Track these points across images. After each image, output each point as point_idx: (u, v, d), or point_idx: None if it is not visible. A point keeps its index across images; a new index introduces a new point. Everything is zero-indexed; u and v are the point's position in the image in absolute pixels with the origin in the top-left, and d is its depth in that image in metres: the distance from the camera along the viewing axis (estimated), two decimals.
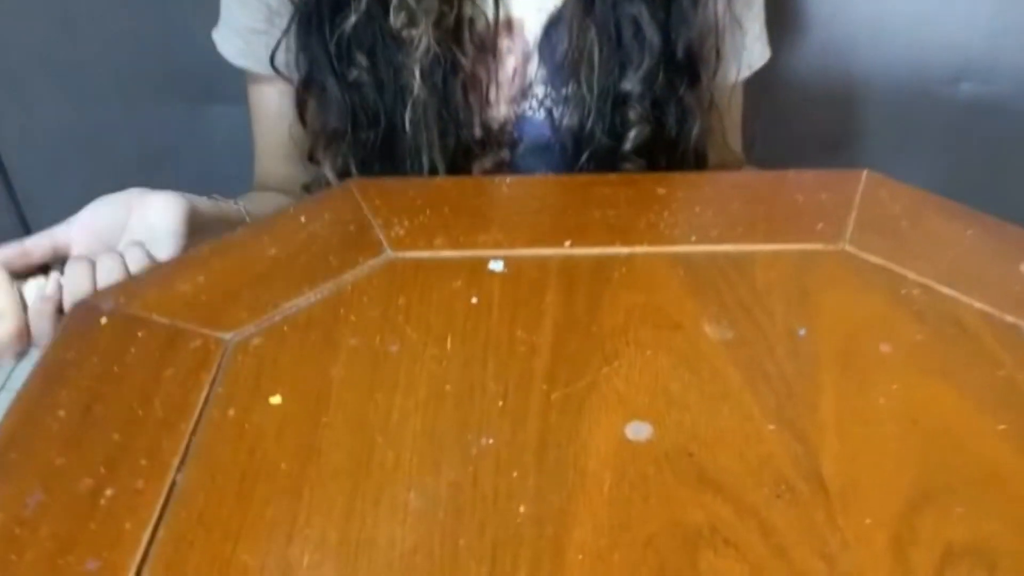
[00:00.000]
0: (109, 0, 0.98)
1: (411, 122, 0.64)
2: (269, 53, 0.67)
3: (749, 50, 0.72)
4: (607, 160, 0.67)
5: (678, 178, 0.60)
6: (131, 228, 0.53)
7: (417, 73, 0.63)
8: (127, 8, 0.98)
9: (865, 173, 0.57)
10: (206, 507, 0.37)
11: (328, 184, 0.68)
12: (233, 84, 0.74)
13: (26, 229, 1.15)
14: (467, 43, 0.63)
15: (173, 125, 1.05)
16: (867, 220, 0.53)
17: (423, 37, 0.62)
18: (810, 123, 1.00)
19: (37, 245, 0.50)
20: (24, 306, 0.50)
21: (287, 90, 0.69)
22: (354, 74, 0.64)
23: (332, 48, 0.64)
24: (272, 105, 0.72)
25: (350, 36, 0.63)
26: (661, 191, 0.57)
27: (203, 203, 0.57)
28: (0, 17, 1.00)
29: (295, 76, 0.68)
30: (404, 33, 0.62)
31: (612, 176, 0.59)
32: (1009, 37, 0.97)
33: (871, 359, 0.44)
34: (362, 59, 0.64)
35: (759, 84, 0.78)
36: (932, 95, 0.99)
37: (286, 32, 0.65)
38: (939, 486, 0.38)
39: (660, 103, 0.66)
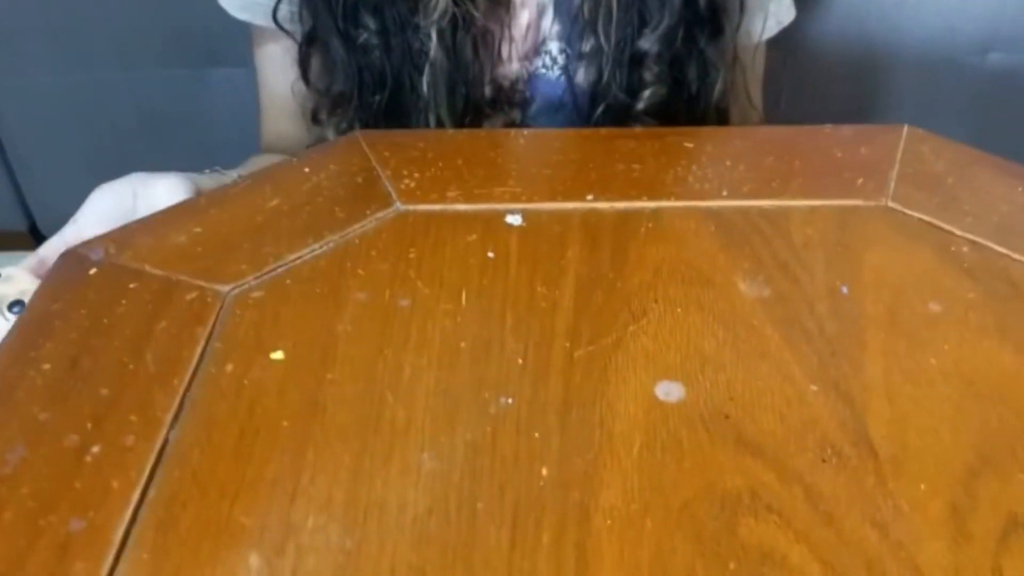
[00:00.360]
0: None
1: (428, 84, 0.61)
2: (272, 6, 0.64)
3: (779, 3, 0.69)
4: (621, 119, 0.64)
5: (706, 132, 0.56)
6: (138, 214, 0.50)
7: (434, 35, 0.59)
8: None
9: (906, 128, 0.53)
10: (201, 465, 0.34)
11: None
12: (235, 47, 0.71)
13: (20, 196, 1.12)
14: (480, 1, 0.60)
15: (174, 89, 1.02)
16: (910, 176, 0.50)
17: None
18: (834, 90, 0.96)
19: (53, 251, 0.47)
20: None
21: (292, 46, 0.66)
22: (362, 36, 0.61)
23: (338, 9, 0.60)
24: (277, 62, 0.68)
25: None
26: (688, 145, 0.53)
27: (205, 182, 0.54)
28: None
29: (299, 31, 0.64)
30: None
31: (637, 129, 0.56)
32: None
33: (920, 318, 0.41)
34: (370, 21, 0.60)
35: (783, 48, 0.75)
36: (959, 64, 0.96)
37: None
38: (1000, 451, 0.35)
39: (680, 59, 0.63)
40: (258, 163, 0.67)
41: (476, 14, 0.60)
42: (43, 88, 1.03)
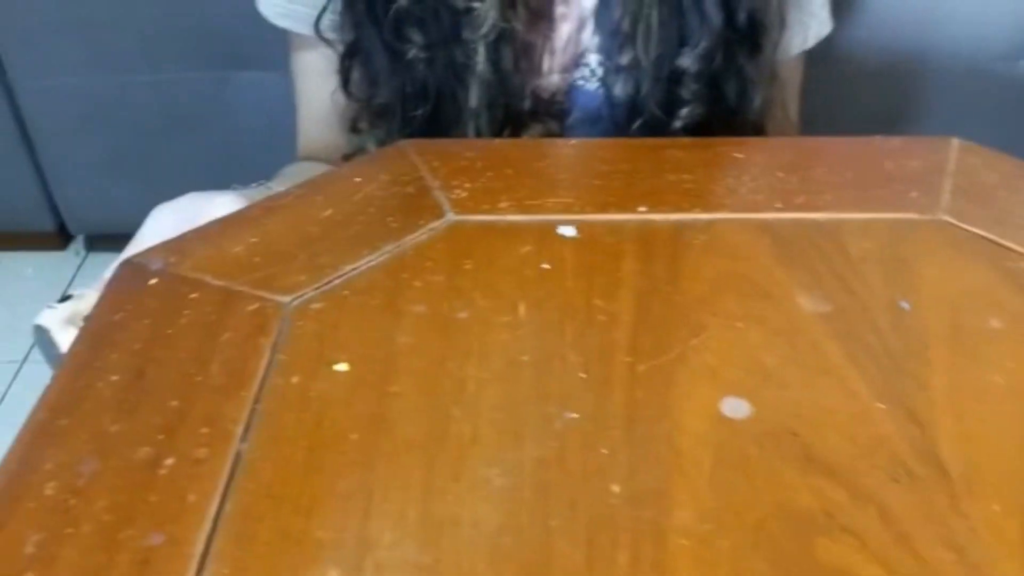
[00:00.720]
0: None
1: (476, 101, 0.61)
2: (312, 13, 0.64)
3: (816, 18, 0.68)
4: (658, 133, 0.64)
5: (755, 142, 0.56)
6: None
7: (482, 51, 0.59)
8: None
9: (956, 141, 0.53)
10: (273, 479, 0.34)
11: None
12: (262, 49, 0.71)
13: (48, 196, 1.12)
14: (522, 9, 0.60)
15: (200, 91, 1.02)
16: (963, 189, 0.49)
17: (489, 13, 0.58)
18: (866, 97, 0.96)
19: None
20: None
21: (331, 54, 0.66)
22: (409, 52, 0.61)
23: (384, 22, 0.60)
24: (316, 70, 0.68)
25: (405, 11, 0.59)
26: (738, 155, 0.53)
27: (257, 198, 0.54)
28: None
29: (340, 39, 0.64)
30: (466, 8, 0.58)
31: (685, 140, 0.56)
32: None
33: (981, 334, 0.41)
34: (415, 35, 0.60)
35: (816, 56, 0.75)
36: (991, 71, 0.96)
37: (334, 2, 0.62)
38: None
39: (718, 76, 0.63)
40: (298, 173, 0.67)
41: (519, 28, 0.60)
42: (70, 89, 1.03)
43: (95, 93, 1.01)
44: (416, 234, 0.47)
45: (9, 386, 1.06)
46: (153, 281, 0.44)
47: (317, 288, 0.44)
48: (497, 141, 0.61)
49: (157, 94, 1.01)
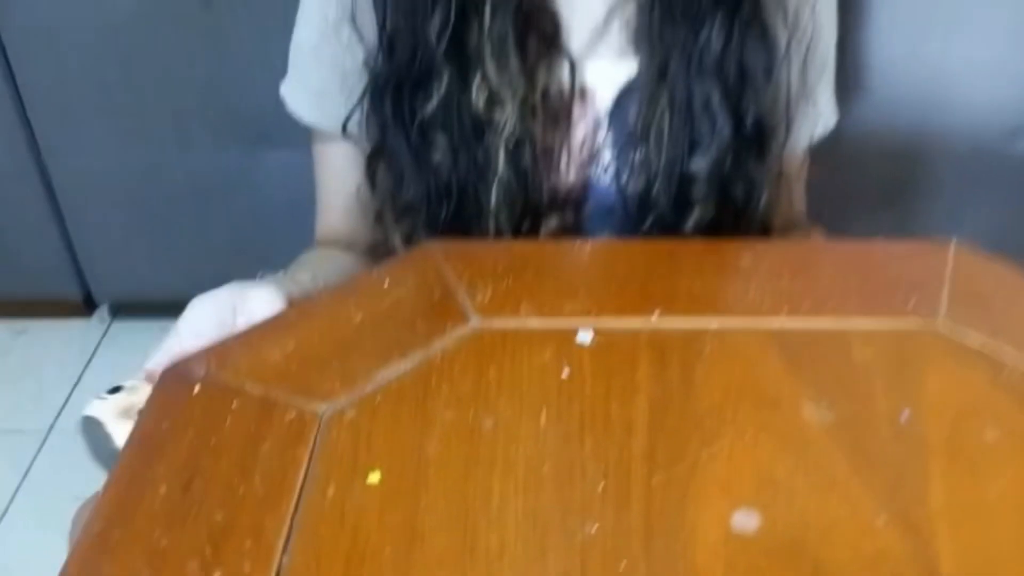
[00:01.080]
0: (170, 43, 1.00)
1: (495, 201, 0.64)
2: (340, 113, 0.67)
3: (822, 115, 0.72)
4: (671, 228, 0.67)
5: (765, 246, 0.59)
6: (236, 327, 0.52)
7: (502, 154, 0.63)
8: (187, 51, 1.00)
9: (953, 245, 0.56)
10: None
11: (392, 249, 0.68)
12: (288, 130, 0.74)
13: (77, 267, 1.16)
14: (541, 114, 0.63)
15: (227, 167, 1.06)
16: (960, 296, 0.52)
17: (509, 119, 0.62)
18: (869, 176, 0.99)
19: (158, 366, 0.50)
20: None
21: (355, 149, 0.69)
22: (435, 156, 0.64)
23: (411, 126, 0.64)
24: (339, 163, 0.72)
25: (431, 117, 0.63)
26: (747, 258, 0.56)
27: (292, 289, 0.56)
28: (62, 56, 1.01)
29: (365, 138, 0.68)
30: (488, 114, 0.62)
31: (697, 243, 0.59)
32: None
33: (978, 446, 0.43)
34: (443, 140, 0.64)
35: (823, 139, 0.78)
36: (989, 151, 0.99)
37: (361, 100, 0.65)
38: None
39: (726, 179, 0.66)
40: (318, 260, 0.70)
41: (538, 132, 0.63)
42: (103, 167, 1.08)
43: (126, 171, 1.06)
44: (443, 339, 0.50)
45: (35, 456, 1.09)
46: (197, 389, 0.47)
47: (350, 395, 0.46)
48: (518, 243, 0.64)
49: (186, 171, 1.06)
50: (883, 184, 1.01)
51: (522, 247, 0.60)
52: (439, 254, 0.57)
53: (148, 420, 0.45)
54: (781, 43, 0.65)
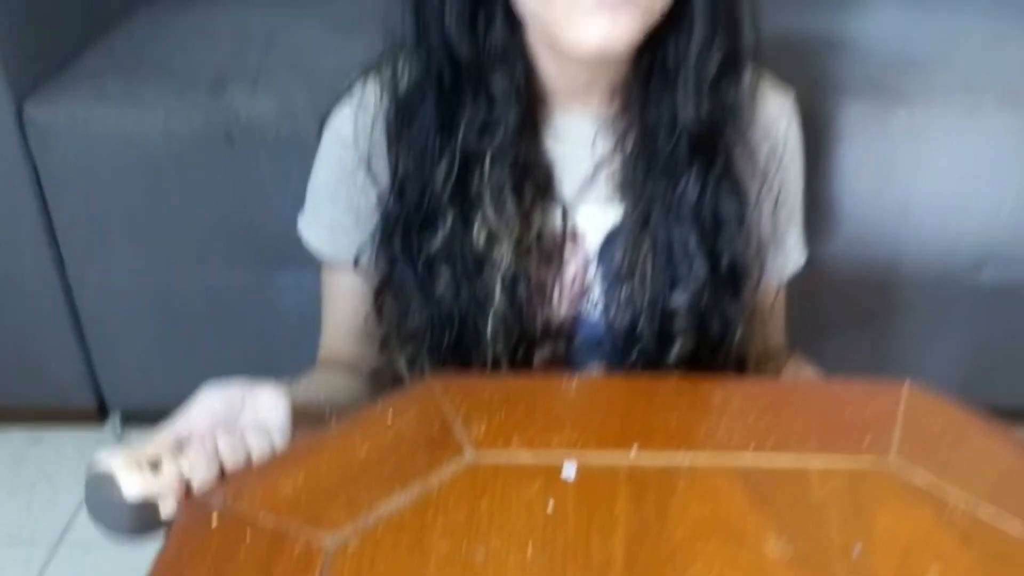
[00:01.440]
0: (195, 174, 1.08)
1: (492, 332, 0.70)
2: (351, 248, 0.74)
3: (791, 256, 0.79)
4: (654, 359, 0.72)
5: (733, 384, 0.65)
6: (243, 419, 0.57)
7: (498, 288, 0.69)
8: (211, 182, 1.08)
9: (906, 386, 0.61)
10: None
11: (397, 373, 0.74)
12: (300, 253, 0.81)
13: (95, 381, 1.21)
14: (536, 252, 0.70)
15: (243, 286, 1.13)
16: (910, 435, 0.57)
17: (505, 256, 0.68)
18: (845, 304, 1.06)
19: (164, 443, 0.55)
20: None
21: (361, 279, 0.76)
22: (439, 289, 0.70)
23: (418, 261, 0.70)
24: (346, 290, 0.78)
25: (437, 253, 0.69)
26: (718, 396, 0.62)
27: (297, 393, 0.62)
28: (93, 183, 1.10)
29: (373, 270, 0.74)
30: (487, 252, 0.68)
31: (673, 379, 0.64)
32: None
33: None
34: (446, 273, 0.70)
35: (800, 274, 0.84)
36: (956, 280, 1.06)
37: (373, 237, 0.72)
38: None
39: (704, 314, 0.71)
40: (321, 375, 0.76)
41: (532, 269, 0.70)
42: (125, 284, 1.14)
43: (147, 288, 1.12)
44: (440, 471, 0.55)
45: (45, 566, 1.11)
46: (213, 519, 0.51)
47: (355, 526, 0.51)
48: (511, 377, 0.69)
49: (204, 289, 1.12)
50: (858, 311, 1.07)
51: (515, 382, 0.65)
52: (439, 388, 0.62)
53: (170, 547, 0.50)
54: (752, 194, 0.72)
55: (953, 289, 1.05)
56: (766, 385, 0.68)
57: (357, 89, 0.72)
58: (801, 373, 0.81)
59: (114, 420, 1.26)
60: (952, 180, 1.02)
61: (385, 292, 0.74)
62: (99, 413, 1.25)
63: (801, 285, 1.00)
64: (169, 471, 0.52)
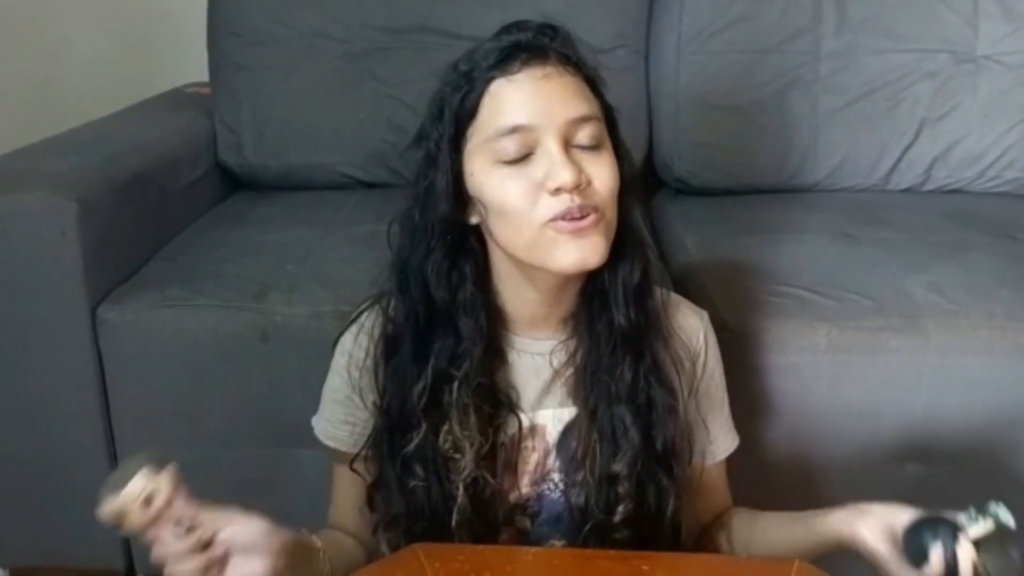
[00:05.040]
0: (232, 366, 1.27)
1: (456, 523, 0.86)
2: (349, 439, 0.93)
3: (717, 443, 0.97)
4: (604, 530, 0.88)
5: (658, 557, 0.81)
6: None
7: (461, 488, 0.85)
8: (245, 373, 1.27)
9: (796, 564, 0.77)
10: None
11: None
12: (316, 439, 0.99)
13: (127, 545, 1.36)
14: (500, 451, 0.87)
15: (267, 463, 1.30)
16: None
17: (467, 465, 0.85)
18: (781, 495, 1.21)
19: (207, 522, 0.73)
20: None
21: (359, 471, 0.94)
22: (412, 483, 0.87)
23: (397, 461, 0.87)
24: (347, 477, 0.95)
25: (411, 454, 0.87)
26: (645, 568, 0.78)
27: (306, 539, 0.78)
28: (147, 371, 1.29)
29: (364, 468, 0.92)
30: (452, 456, 0.86)
31: (611, 552, 0.80)
32: (942, 425, 1.21)
33: None
34: (420, 471, 0.87)
35: (743, 454, 1.01)
36: (882, 473, 1.21)
37: (365, 446, 0.91)
38: None
39: (643, 485, 0.87)
40: (333, 538, 0.93)
41: (497, 467, 0.87)
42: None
43: (183, 464, 1.28)
44: None
45: None
46: None
47: None
48: (481, 548, 0.85)
49: (232, 464, 1.29)
50: (797, 492, 1.22)
51: (484, 551, 0.81)
52: (422, 553, 0.79)
53: None
54: (678, 390, 0.90)
55: (880, 478, 1.21)
56: (686, 559, 0.83)
57: (363, 318, 0.92)
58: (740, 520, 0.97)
59: None
60: (868, 386, 1.20)
61: (377, 491, 0.92)
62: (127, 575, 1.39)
63: (748, 472, 1.16)
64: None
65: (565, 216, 0.78)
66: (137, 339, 1.27)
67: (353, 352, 0.91)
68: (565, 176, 0.77)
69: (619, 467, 0.87)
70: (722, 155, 1.67)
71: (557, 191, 0.78)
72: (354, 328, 0.92)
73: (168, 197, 1.52)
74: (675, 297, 0.96)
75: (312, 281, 1.31)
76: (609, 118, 0.84)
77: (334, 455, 0.96)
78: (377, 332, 0.90)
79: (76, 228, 1.23)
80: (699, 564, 0.79)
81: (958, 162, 1.66)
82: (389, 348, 0.89)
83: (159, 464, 0.70)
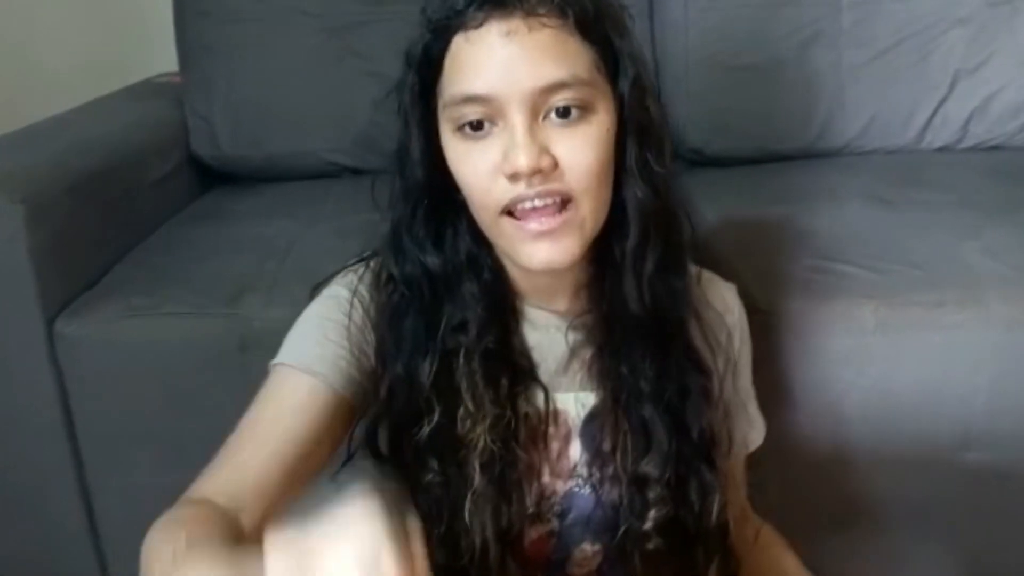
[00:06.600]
0: (207, 379, 1.15)
1: (470, 512, 0.72)
2: (331, 369, 0.72)
3: (754, 428, 0.85)
4: (637, 537, 0.75)
5: None
6: None
7: (477, 468, 0.72)
8: (222, 386, 1.14)
9: None
10: None
11: None
12: None
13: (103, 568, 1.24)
14: (523, 432, 0.74)
15: None
16: None
17: (481, 438, 0.72)
18: (823, 491, 1.08)
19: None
20: None
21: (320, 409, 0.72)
22: (427, 477, 0.74)
23: (409, 458, 0.74)
24: (302, 402, 0.73)
25: (424, 444, 0.73)
26: None
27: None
28: (114, 389, 1.17)
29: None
30: (467, 437, 0.72)
31: None
32: (1008, 407, 1.08)
33: None
34: (435, 463, 0.73)
35: (780, 455, 0.88)
36: (940, 464, 1.08)
37: (374, 413, 0.74)
38: None
39: (683, 483, 0.75)
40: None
41: (517, 450, 0.73)
42: (139, 481, 1.19)
43: (161, 487, 1.16)
44: None
45: None
46: None
47: None
48: None
49: None
50: (836, 497, 1.09)
51: None
52: None
53: None
54: (714, 371, 0.77)
55: (937, 471, 1.07)
56: None
57: (352, 277, 0.77)
58: (784, 561, 0.83)
59: None
60: (925, 369, 1.07)
61: None
62: None
63: (779, 474, 1.03)
64: None
65: (516, 207, 0.67)
66: (100, 354, 1.14)
67: (357, 295, 0.76)
68: (520, 160, 0.65)
69: (648, 468, 0.75)
70: (738, 120, 1.53)
71: (514, 176, 0.66)
72: (343, 284, 0.77)
73: (134, 196, 1.38)
74: (703, 271, 0.84)
75: (294, 279, 1.18)
76: (615, 63, 0.69)
77: (289, 370, 0.73)
78: (368, 303, 0.76)
79: (24, 233, 1.10)
80: None
81: (998, 115, 1.52)
82: (388, 323, 0.75)
83: None
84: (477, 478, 0.73)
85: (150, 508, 1.20)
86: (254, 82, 1.56)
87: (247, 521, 0.63)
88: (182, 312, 1.15)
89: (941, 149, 1.54)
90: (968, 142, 1.54)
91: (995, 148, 1.54)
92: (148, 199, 1.43)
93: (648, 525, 0.75)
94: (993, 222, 1.19)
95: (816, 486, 1.04)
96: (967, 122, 1.52)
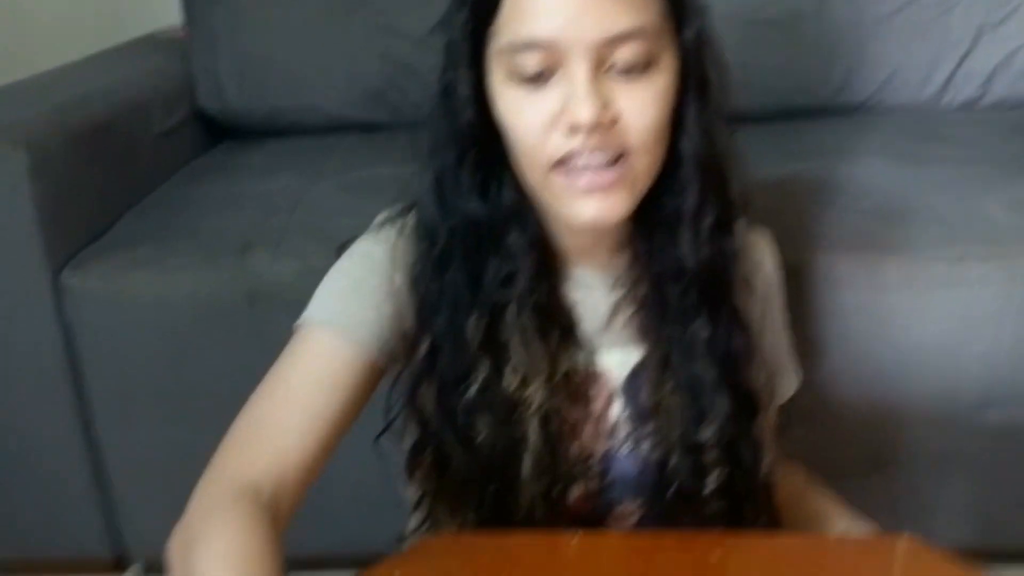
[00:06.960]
0: (217, 335, 1.13)
1: (525, 470, 0.70)
2: (365, 329, 0.70)
3: (789, 379, 0.84)
4: (690, 493, 0.72)
5: (731, 542, 0.66)
6: None
7: (533, 426, 0.70)
8: (231, 341, 1.13)
9: (903, 541, 0.62)
10: None
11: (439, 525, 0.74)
12: None
13: (115, 534, 1.23)
14: (565, 391, 0.72)
15: None
16: None
17: (538, 394, 0.70)
18: (851, 443, 1.06)
19: None
20: None
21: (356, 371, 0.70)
22: (479, 438, 0.71)
23: (458, 418, 0.71)
24: (336, 367, 0.70)
25: (473, 402, 0.70)
26: (715, 556, 0.63)
27: None
28: (122, 345, 1.15)
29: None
30: (519, 394, 0.70)
31: (670, 539, 0.65)
32: None
33: None
34: (484, 422, 0.71)
35: (805, 408, 0.86)
36: (962, 420, 1.07)
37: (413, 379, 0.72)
38: None
39: (735, 444, 0.73)
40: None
41: (563, 406, 0.71)
42: (148, 439, 1.18)
43: (171, 444, 1.15)
44: None
45: None
46: None
47: None
48: (514, 536, 0.68)
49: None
50: (863, 449, 1.08)
51: (516, 541, 0.67)
52: (441, 547, 0.64)
53: None
54: (754, 326, 0.75)
55: (959, 428, 1.06)
56: (764, 543, 0.69)
57: (389, 231, 0.73)
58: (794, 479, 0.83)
59: (136, 569, 1.28)
60: (948, 324, 1.05)
61: (421, 455, 0.75)
62: (116, 566, 1.26)
63: (810, 425, 1.01)
64: None
65: (569, 161, 0.64)
66: (106, 307, 1.12)
67: (381, 257, 0.72)
68: (583, 113, 0.61)
69: (707, 436, 0.72)
70: (756, 75, 1.47)
71: (573, 129, 0.63)
72: (377, 241, 0.73)
73: (138, 148, 1.36)
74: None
75: (301, 234, 1.16)
76: (680, 12, 0.66)
77: (321, 330, 0.70)
78: (405, 258, 0.72)
79: (28, 182, 1.08)
80: (780, 548, 0.65)
81: (1020, 71, 1.48)
82: (431, 274, 0.72)
83: None
84: (534, 436, 0.71)
85: (157, 461, 1.20)
86: (261, 34, 1.53)
87: (287, 507, 0.63)
88: (189, 264, 1.13)
89: (962, 107, 1.51)
90: (990, 99, 1.50)
91: (1018, 107, 1.51)
92: (153, 153, 1.41)
93: (708, 490, 0.72)
94: (1016, 178, 1.16)
95: (839, 438, 1.03)
96: (989, 78, 1.48)
